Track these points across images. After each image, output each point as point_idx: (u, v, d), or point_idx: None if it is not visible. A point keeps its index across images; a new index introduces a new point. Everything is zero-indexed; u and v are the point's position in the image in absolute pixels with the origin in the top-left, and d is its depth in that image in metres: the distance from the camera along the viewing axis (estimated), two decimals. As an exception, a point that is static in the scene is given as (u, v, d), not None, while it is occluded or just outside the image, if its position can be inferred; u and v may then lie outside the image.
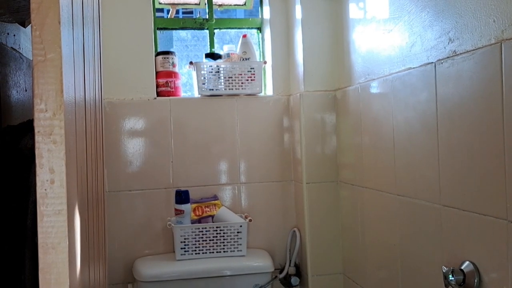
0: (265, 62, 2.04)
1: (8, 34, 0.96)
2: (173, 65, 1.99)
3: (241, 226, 1.85)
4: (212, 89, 1.96)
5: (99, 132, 1.01)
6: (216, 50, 2.11)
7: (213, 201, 1.94)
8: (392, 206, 1.44)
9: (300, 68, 1.88)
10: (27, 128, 0.70)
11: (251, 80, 1.98)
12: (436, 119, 1.19)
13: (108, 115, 1.86)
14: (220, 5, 2.15)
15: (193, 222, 1.86)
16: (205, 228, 1.83)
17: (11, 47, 0.97)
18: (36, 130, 0.36)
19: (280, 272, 1.96)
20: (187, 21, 2.12)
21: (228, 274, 1.78)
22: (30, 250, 0.64)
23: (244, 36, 2.01)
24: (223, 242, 1.84)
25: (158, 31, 2.07)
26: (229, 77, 1.96)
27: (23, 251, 0.70)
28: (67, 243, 0.35)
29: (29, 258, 0.66)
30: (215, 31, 2.12)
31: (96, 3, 0.99)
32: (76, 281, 0.41)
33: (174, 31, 2.18)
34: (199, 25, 2.10)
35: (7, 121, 0.87)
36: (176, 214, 1.84)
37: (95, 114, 0.85)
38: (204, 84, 1.95)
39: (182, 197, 1.82)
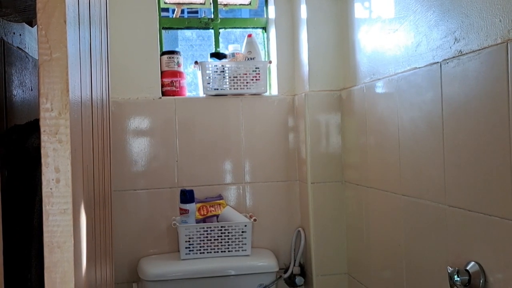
0: (270, 62, 2.04)
1: (14, 33, 0.97)
2: (178, 64, 1.99)
3: (245, 225, 1.85)
4: (217, 89, 1.96)
5: (107, 131, 1.01)
6: (221, 49, 2.11)
7: (217, 201, 1.94)
8: (397, 206, 1.44)
9: (305, 68, 1.88)
10: (34, 127, 0.70)
11: (256, 79, 1.98)
12: (441, 119, 1.19)
13: (114, 114, 1.87)
14: (225, 5, 2.15)
15: (197, 221, 1.86)
16: (210, 227, 1.83)
17: (17, 47, 0.98)
18: (41, 129, 0.36)
19: (285, 272, 1.96)
20: (192, 20, 2.12)
21: (233, 273, 1.78)
22: (36, 249, 0.64)
23: (249, 35, 2.01)
24: (228, 242, 1.84)
25: (163, 31, 2.07)
26: (234, 77, 1.96)
27: (29, 250, 0.70)
28: (73, 242, 0.35)
29: (35, 257, 0.66)
30: (220, 30, 2.12)
31: (104, 3, 1.00)
32: (82, 280, 0.41)
33: (179, 31, 2.18)
34: (204, 25, 2.11)
35: (12, 120, 0.88)
36: (181, 214, 1.84)
37: (102, 114, 0.85)
38: (209, 83, 1.95)
39: (187, 196, 1.82)
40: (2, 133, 0.83)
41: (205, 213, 1.89)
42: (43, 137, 0.36)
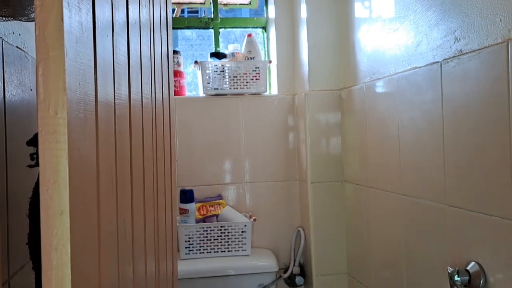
0: (270, 62, 2.04)
1: (14, 33, 0.97)
2: (178, 64, 1.99)
3: (245, 225, 1.85)
4: (217, 89, 1.96)
5: (164, 130, 1.00)
6: (221, 49, 2.10)
7: (217, 201, 1.94)
8: (397, 206, 1.44)
9: (305, 67, 1.88)
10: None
11: (256, 79, 1.97)
12: (441, 119, 1.18)
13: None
14: (225, 5, 2.15)
15: (197, 221, 1.86)
16: (210, 227, 1.83)
17: (17, 46, 0.98)
18: (39, 129, 0.35)
19: (285, 272, 1.96)
20: (192, 20, 2.12)
21: (233, 273, 1.78)
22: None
23: (249, 35, 2.01)
24: (228, 242, 1.84)
25: (163, 30, 2.07)
26: (234, 77, 1.96)
27: None
28: (70, 244, 0.34)
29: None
30: (220, 30, 2.12)
31: (164, 8, 0.99)
32: (89, 282, 0.41)
33: (179, 30, 2.18)
34: (204, 25, 2.10)
35: (12, 120, 0.88)
36: (180, 213, 1.84)
37: (153, 113, 0.84)
38: (209, 83, 1.95)
39: (186, 196, 1.82)
40: (36, 133, 0.84)
41: (205, 213, 1.88)
42: (40, 137, 0.35)
